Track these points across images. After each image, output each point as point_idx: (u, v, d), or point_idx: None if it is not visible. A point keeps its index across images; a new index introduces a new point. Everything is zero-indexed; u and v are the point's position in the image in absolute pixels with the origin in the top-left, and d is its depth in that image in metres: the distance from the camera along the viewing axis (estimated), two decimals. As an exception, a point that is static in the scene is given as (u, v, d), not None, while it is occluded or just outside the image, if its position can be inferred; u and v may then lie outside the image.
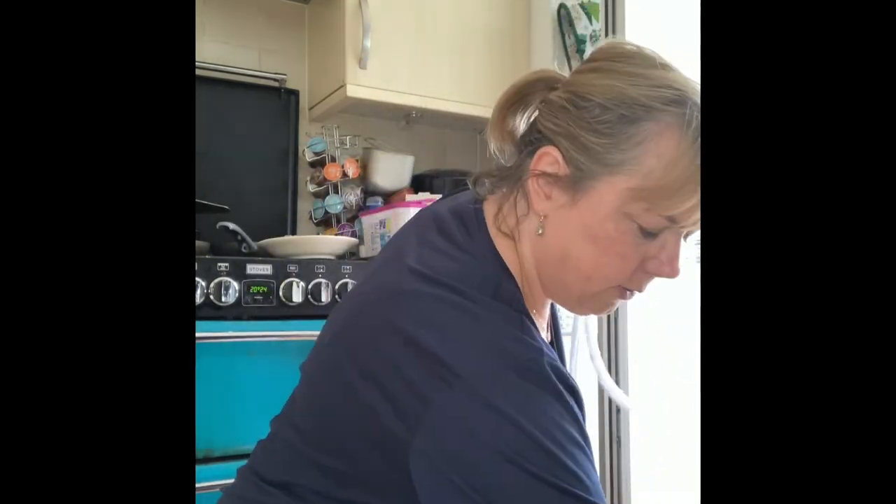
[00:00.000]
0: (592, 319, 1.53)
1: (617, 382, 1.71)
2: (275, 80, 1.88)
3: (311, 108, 1.93)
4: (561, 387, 0.53)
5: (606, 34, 1.91)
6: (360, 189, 1.86)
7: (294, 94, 1.91)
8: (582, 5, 2.07)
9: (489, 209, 0.66)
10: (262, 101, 1.87)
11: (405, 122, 1.98)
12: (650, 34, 1.91)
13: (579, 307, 0.64)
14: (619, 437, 1.82)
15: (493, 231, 0.64)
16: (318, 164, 1.86)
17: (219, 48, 1.83)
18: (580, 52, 1.89)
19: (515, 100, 0.64)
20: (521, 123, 0.65)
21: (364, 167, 1.88)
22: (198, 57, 1.72)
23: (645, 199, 0.56)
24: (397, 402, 0.53)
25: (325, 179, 1.82)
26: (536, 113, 0.64)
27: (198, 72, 1.72)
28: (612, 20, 1.91)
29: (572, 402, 0.53)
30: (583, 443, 0.53)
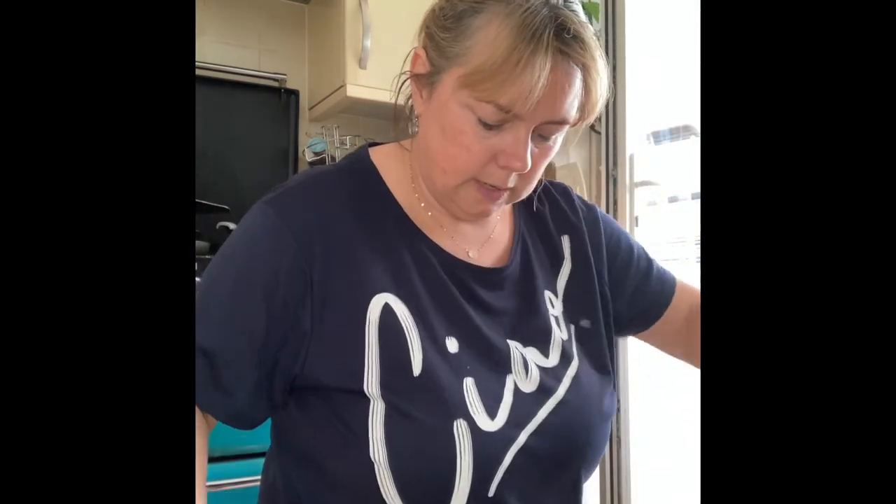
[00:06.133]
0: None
1: (617, 382, 1.71)
2: (275, 80, 1.88)
3: (311, 108, 1.93)
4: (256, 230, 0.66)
5: (606, 34, 1.91)
6: (360, 189, 1.86)
7: (294, 94, 1.91)
8: (582, 5, 2.07)
9: (378, 148, 0.72)
10: (262, 101, 1.87)
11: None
12: (650, 34, 1.91)
13: (454, 205, 0.67)
14: (618, 437, 1.82)
15: (373, 152, 0.70)
16: (319, 164, 1.86)
17: (219, 48, 1.83)
18: (581, 52, 1.88)
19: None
20: None
21: (364, 167, 1.87)
22: (198, 57, 1.72)
23: (469, 84, 0.58)
24: None
25: (325, 179, 1.82)
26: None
27: (198, 72, 1.72)
28: (612, 20, 1.91)
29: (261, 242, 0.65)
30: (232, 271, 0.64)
